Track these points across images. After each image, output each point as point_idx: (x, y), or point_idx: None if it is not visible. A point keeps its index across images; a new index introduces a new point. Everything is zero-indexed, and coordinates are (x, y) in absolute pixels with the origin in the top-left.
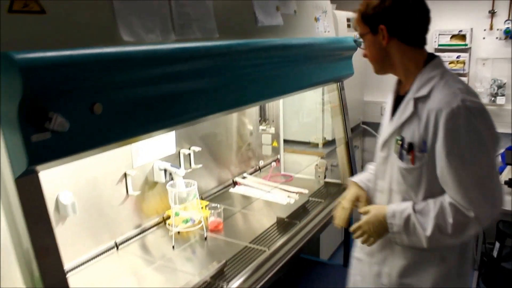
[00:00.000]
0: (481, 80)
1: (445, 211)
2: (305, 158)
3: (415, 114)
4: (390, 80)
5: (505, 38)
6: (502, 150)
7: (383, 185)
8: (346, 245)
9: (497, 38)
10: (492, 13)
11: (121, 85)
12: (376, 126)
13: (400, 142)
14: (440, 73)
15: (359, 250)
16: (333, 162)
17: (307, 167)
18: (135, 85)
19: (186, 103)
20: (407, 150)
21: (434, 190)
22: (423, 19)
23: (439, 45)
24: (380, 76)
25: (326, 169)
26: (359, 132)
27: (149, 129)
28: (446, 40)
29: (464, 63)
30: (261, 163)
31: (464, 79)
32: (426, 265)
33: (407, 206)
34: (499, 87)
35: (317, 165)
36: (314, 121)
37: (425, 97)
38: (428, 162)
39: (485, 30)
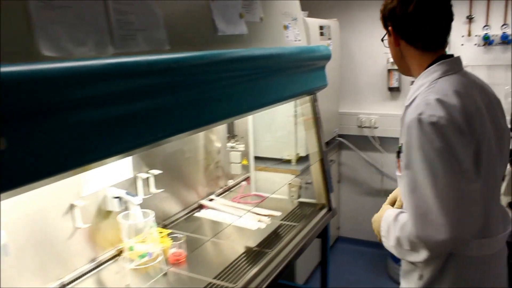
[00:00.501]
0: None
1: (404, 225)
2: (278, 176)
3: (404, 121)
4: (366, 89)
5: (484, 45)
6: None
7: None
8: (324, 266)
9: (475, 44)
10: (470, 18)
11: (43, 109)
12: (353, 138)
13: (398, 149)
14: (431, 80)
15: None
16: (308, 179)
17: (280, 187)
18: (62, 108)
19: (132, 127)
20: (397, 157)
21: None
22: (430, 20)
23: None
24: (355, 86)
25: (300, 187)
26: (335, 145)
27: (82, 161)
28: None
29: None
30: (230, 182)
31: None
32: (408, 279)
33: (392, 213)
34: None
35: (290, 184)
36: (287, 136)
37: (410, 105)
38: None
39: (463, 36)
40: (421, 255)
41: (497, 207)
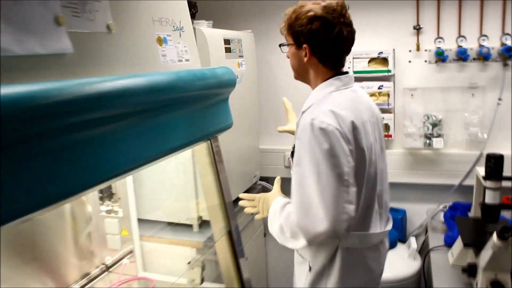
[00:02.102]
0: (411, 117)
1: (289, 214)
2: (174, 249)
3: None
4: None
5: (437, 61)
6: (442, 208)
7: None
8: None
9: (426, 61)
10: (418, 29)
11: None
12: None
13: (292, 149)
14: (327, 92)
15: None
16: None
17: (176, 263)
18: None
19: None
20: (291, 156)
21: None
22: (343, 45)
23: (354, 72)
24: (279, 115)
25: (204, 267)
26: (257, 192)
27: None
28: (363, 65)
29: (388, 95)
30: (108, 260)
31: (389, 116)
32: (299, 272)
33: (281, 201)
34: (434, 125)
35: (189, 262)
36: (184, 190)
37: (304, 112)
38: None
39: (410, 51)
40: (300, 242)
41: (375, 209)
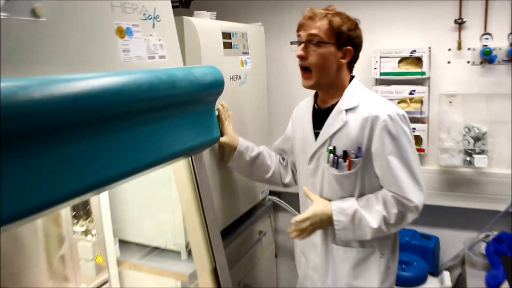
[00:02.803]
0: (448, 129)
1: (388, 204)
2: (157, 280)
3: (346, 124)
4: None
5: (482, 63)
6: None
7: (315, 240)
8: None
9: (469, 62)
10: (460, 23)
11: None
12: (291, 196)
13: (332, 152)
14: (361, 88)
15: (304, 266)
16: None
17: None
18: None
19: None
20: (343, 157)
21: (366, 189)
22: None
23: (381, 73)
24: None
25: None
26: (266, 209)
27: None
28: (392, 66)
29: (421, 101)
30: None
31: (422, 126)
32: (368, 265)
33: (352, 202)
34: (477, 139)
35: None
36: (172, 213)
37: (355, 108)
38: (362, 165)
39: (450, 50)
40: (407, 221)
41: None
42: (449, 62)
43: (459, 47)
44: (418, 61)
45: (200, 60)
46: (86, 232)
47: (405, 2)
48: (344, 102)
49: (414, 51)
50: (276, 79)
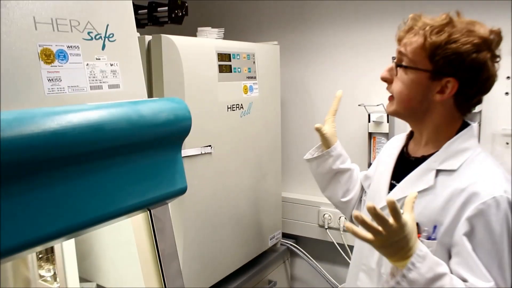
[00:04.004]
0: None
1: None
2: None
3: (431, 188)
4: None
5: None
6: None
7: (370, 264)
8: None
9: None
10: None
11: None
12: (311, 242)
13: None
14: (474, 146)
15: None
16: None
17: None
18: None
19: None
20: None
21: None
22: (491, 85)
23: None
24: None
25: None
26: (279, 255)
27: None
28: None
29: None
30: None
31: None
32: None
33: (443, 263)
34: None
35: None
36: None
37: (451, 172)
38: (435, 252)
39: (508, 78)
40: None
41: None
42: (507, 93)
43: None
44: None
45: (182, 88)
46: (52, 279)
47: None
48: (440, 158)
49: None
50: (292, 105)
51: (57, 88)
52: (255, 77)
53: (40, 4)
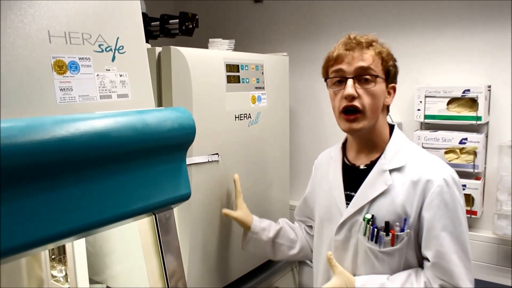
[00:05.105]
0: (509, 189)
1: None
2: None
3: (391, 188)
4: None
5: None
6: None
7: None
8: None
9: None
10: None
11: None
12: None
13: (370, 222)
14: (407, 142)
15: None
16: None
17: None
18: None
19: None
20: (385, 229)
21: (408, 267)
22: None
23: (426, 116)
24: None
25: None
26: (287, 262)
27: None
28: (439, 108)
29: (474, 153)
30: None
31: (475, 184)
32: None
33: (382, 280)
34: None
35: None
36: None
37: (401, 169)
38: (409, 240)
39: None
40: None
41: None
42: None
43: None
44: (472, 102)
45: (190, 98)
46: (64, 279)
47: (457, 28)
48: (388, 159)
49: (468, 90)
50: (300, 115)
51: (69, 97)
52: (263, 88)
53: (54, 18)
